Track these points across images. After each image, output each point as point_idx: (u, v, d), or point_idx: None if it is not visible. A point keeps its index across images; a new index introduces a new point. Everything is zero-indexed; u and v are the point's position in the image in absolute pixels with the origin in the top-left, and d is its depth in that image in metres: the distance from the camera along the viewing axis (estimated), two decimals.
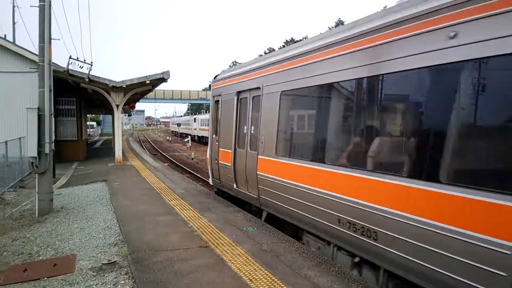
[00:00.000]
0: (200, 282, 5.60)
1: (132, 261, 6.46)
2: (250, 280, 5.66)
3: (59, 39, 18.73)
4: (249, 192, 10.17)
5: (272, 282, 5.60)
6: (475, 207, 4.18)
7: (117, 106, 21.33)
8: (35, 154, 10.17)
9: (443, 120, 4.90)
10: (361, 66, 6.04)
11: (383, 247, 5.44)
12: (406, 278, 5.24)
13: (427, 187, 4.75)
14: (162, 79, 20.63)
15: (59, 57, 19.81)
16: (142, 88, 22.11)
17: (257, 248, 7.12)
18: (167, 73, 20.31)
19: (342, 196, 6.26)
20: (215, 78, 13.50)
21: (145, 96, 35.22)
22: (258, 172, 9.38)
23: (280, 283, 5.55)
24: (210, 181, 13.81)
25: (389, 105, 6.11)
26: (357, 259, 6.37)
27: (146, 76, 20.20)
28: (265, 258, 6.60)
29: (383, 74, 5.73)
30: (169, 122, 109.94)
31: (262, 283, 5.55)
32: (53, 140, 11.14)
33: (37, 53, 10.93)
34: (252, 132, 10.13)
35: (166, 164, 24.47)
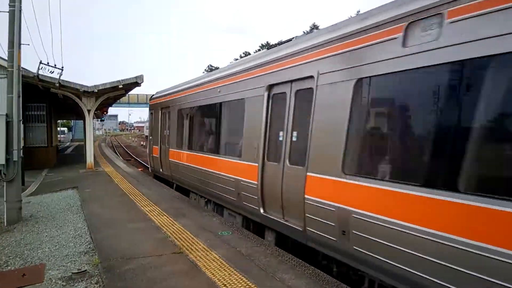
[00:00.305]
0: None
1: (103, 269, 6.31)
2: (225, 285, 5.61)
3: (28, 44, 18.24)
4: (167, 172, 16.16)
5: (247, 286, 5.57)
6: (227, 163, 10.03)
7: (89, 111, 20.91)
8: (3, 162, 9.86)
9: (214, 129, 11.54)
10: (195, 101, 12.86)
11: (210, 189, 11.25)
12: (218, 203, 11.12)
13: (214, 156, 10.95)
14: (135, 83, 20.35)
15: (30, 63, 19.34)
16: (115, 93, 21.75)
17: (232, 253, 7.08)
18: (140, 77, 20.05)
19: (198, 167, 12.11)
20: (151, 97, 19.86)
21: (118, 101, 34.66)
22: (169, 159, 15.46)
23: (255, 287, 5.52)
24: (150, 169, 20.52)
25: (208, 119, 12.46)
26: (205, 200, 12.30)
27: (119, 81, 19.89)
28: (240, 262, 6.57)
29: (202, 105, 12.38)
30: (143, 126, 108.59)
31: None
32: (21, 147, 10.85)
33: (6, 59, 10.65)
34: (169, 134, 15.85)
35: (140, 169, 24.08)
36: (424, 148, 4.95)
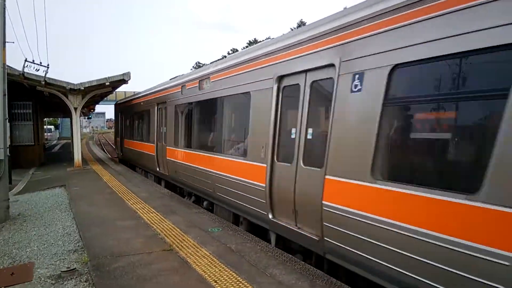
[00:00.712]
0: (163, 286, 5.52)
1: (92, 267, 6.28)
2: (215, 281, 5.63)
3: (13, 42, 17.95)
4: (124, 155, 24.69)
5: (238, 282, 5.59)
6: (145, 145, 18.15)
7: (75, 109, 20.68)
8: None
9: (139, 125, 20.43)
10: (133, 108, 21.31)
11: (141, 162, 19.55)
12: (145, 170, 19.28)
13: (139, 142, 19.55)
14: (122, 80, 20.13)
15: (15, 61, 19.03)
16: (102, 90, 21.53)
17: (222, 249, 7.09)
18: (127, 74, 19.85)
19: (136, 149, 20.33)
20: (115, 103, 29.37)
21: (105, 98, 34.28)
22: (124, 146, 24.13)
23: (246, 283, 5.55)
24: (116, 154, 30.14)
25: (137, 119, 20.75)
26: (141, 169, 20.16)
27: (106, 78, 19.67)
28: (230, 258, 6.59)
29: (136, 111, 20.63)
30: None
31: (227, 284, 5.53)
32: (8, 146, 10.71)
33: None
34: (123, 128, 25.08)
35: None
36: (180, 133, 13.16)
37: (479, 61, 4.14)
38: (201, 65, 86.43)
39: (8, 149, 10.53)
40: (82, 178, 17.30)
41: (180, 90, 13.27)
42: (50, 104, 29.46)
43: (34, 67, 18.38)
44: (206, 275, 5.85)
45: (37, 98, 24.05)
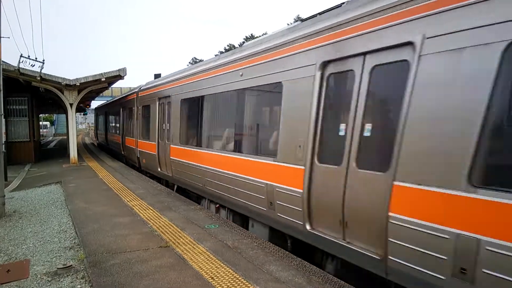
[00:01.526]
0: (160, 283, 5.51)
1: (88, 264, 6.26)
2: (212, 278, 5.62)
3: (9, 37, 17.89)
4: (99, 140, 38.67)
5: (234, 279, 5.59)
6: (118, 136, 25.19)
7: (71, 105, 20.58)
8: None
9: (110, 122, 29.99)
10: (107, 109, 31.85)
11: (108, 145, 30.41)
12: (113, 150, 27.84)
13: (109, 132, 30.89)
14: (118, 76, 20.04)
15: (10, 56, 18.95)
16: (98, 86, 21.42)
17: (218, 246, 7.09)
18: (123, 70, 19.77)
19: (108, 138, 30.82)
20: (95, 108, 45.23)
21: (101, 94, 34.29)
22: (97, 135, 41.82)
23: (242, 280, 5.55)
24: (96, 142, 43.65)
25: (108, 117, 31.18)
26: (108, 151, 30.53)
27: (101, 74, 19.59)
28: (227, 255, 6.58)
29: (107, 112, 31.86)
30: None
31: (224, 280, 5.53)
32: (3, 142, 10.67)
33: None
34: (98, 124, 40.51)
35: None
36: (134, 128, 19.55)
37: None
38: (197, 60, 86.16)
39: (3, 145, 10.49)
40: (78, 174, 17.25)
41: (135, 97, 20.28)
42: (45, 100, 29.35)
43: (29, 63, 18.42)
44: (203, 272, 5.85)
45: (33, 94, 23.93)
